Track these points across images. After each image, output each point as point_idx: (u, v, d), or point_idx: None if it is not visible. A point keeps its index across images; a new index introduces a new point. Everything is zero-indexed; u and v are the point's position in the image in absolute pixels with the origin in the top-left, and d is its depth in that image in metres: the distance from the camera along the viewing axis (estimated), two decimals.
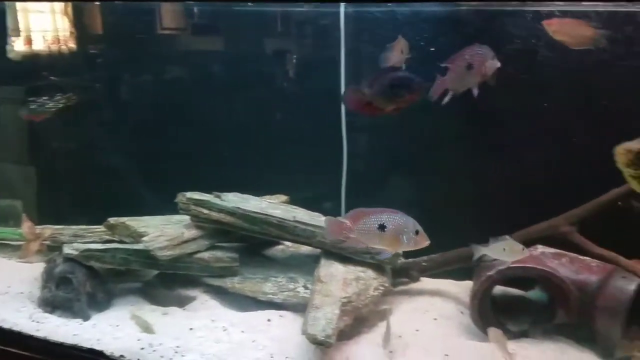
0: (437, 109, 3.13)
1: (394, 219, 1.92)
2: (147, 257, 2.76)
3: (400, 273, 3.11)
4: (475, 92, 2.10)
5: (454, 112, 3.08)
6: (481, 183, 3.15)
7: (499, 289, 3.00)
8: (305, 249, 3.17)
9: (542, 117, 2.94)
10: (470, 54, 2.11)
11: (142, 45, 3.71)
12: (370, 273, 2.81)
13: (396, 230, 1.91)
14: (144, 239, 2.76)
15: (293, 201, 3.34)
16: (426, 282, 3.20)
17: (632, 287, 2.42)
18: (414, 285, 3.18)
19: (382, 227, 1.92)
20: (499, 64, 2.07)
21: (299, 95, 3.61)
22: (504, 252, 2.24)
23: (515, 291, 3.01)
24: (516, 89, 2.74)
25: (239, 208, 2.84)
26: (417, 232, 1.92)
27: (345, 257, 2.85)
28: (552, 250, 2.79)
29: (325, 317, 2.40)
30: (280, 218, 2.84)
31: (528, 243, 2.74)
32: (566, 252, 2.73)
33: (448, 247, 2.98)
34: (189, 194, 2.93)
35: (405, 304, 2.99)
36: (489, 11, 2.80)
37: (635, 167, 1.51)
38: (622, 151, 1.51)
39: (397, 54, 2.45)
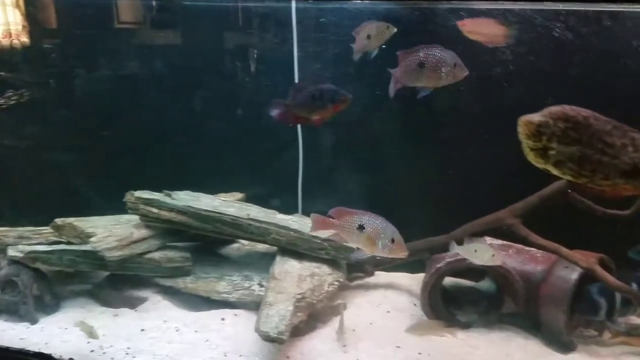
0: (390, 107, 3.23)
1: (374, 222, 1.96)
2: (95, 258, 2.69)
3: (356, 267, 3.15)
4: (422, 94, 2.08)
5: (405, 111, 3.17)
6: (432, 178, 3.21)
7: (450, 281, 3.08)
8: (261, 246, 3.16)
9: (486, 115, 3.02)
10: (425, 52, 2.07)
11: (97, 40, 3.60)
12: (325, 269, 2.83)
13: (374, 233, 1.95)
14: (92, 239, 2.69)
15: (250, 198, 3.33)
16: (381, 276, 3.25)
17: (574, 276, 2.52)
18: (370, 279, 3.22)
19: (361, 228, 1.96)
20: (466, 73, 2.02)
21: (255, 91, 3.58)
22: (475, 253, 2.29)
23: (466, 282, 3.09)
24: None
25: (190, 207, 2.81)
26: (393, 241, 1.94)
27: (300, 253, 2.86)
28: (500, 241, 2.87)
29: (279, 314, 2.41)
30: (233, 216, 2.81)
31: (476, 235, 2.83)
32: (513, 244, 2.82)
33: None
34: (138, 193, 2.87)
35: (360, 298, 3.03)
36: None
37: (535, 139, 1.52)
38: (524, 122, 1.52)
39: (362, 40, 2.37)
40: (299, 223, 2.93)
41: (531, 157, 1.55)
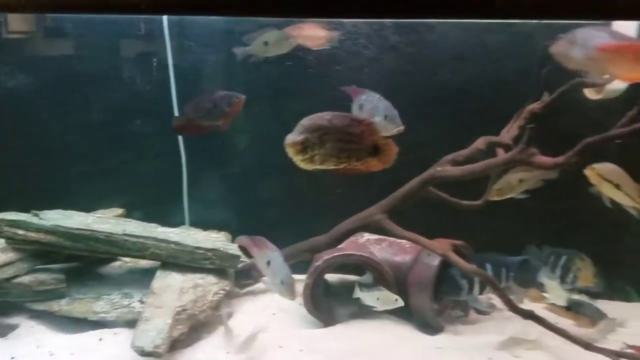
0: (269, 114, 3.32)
1: (277, 261, 2.15)
2: None
3: (244, 275, 3.19)
4: None
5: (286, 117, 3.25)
6: (311, 181, 3.33)
7: (336, 277, 3.22)
8: (144, 262, 3.09)
9: None
10: (367, 99, 2.08)
11: None
12: (210, 279, 2.84)
13: (273, 272, 2.16)
14: None
15: (136, 213, 3.27)
16: None
17: (435, 262, 2.74)
18: (259, 285, 3.27)
19: (269, 263, 2.16)
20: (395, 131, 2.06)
21: (136, 102, 3.51)
22: (378, 301, 2.61)
23: (351, 277, 3.23)
24: None
25: (59, 226, 2.70)
26: (282, 282, 2.13)
27: (184, 266, 2.84)
28: (376, 236, 3.05)
29: (156, 328, 2.40)
30: (107, 233, 2.74)
31: (354, 231, 2.99)
32: (386, 237, 3.00)
33: (285, 244, 3.10)
34: (1, 215, 2.73)
35: (248, 304, 3.08)
36: None
37: (302, 154, 1.78)
38: (290, 144, 1.77)
39: (258, 45, 2.50)
40: (181, 235, 2.93)
41: (302, 165, 1.82)
